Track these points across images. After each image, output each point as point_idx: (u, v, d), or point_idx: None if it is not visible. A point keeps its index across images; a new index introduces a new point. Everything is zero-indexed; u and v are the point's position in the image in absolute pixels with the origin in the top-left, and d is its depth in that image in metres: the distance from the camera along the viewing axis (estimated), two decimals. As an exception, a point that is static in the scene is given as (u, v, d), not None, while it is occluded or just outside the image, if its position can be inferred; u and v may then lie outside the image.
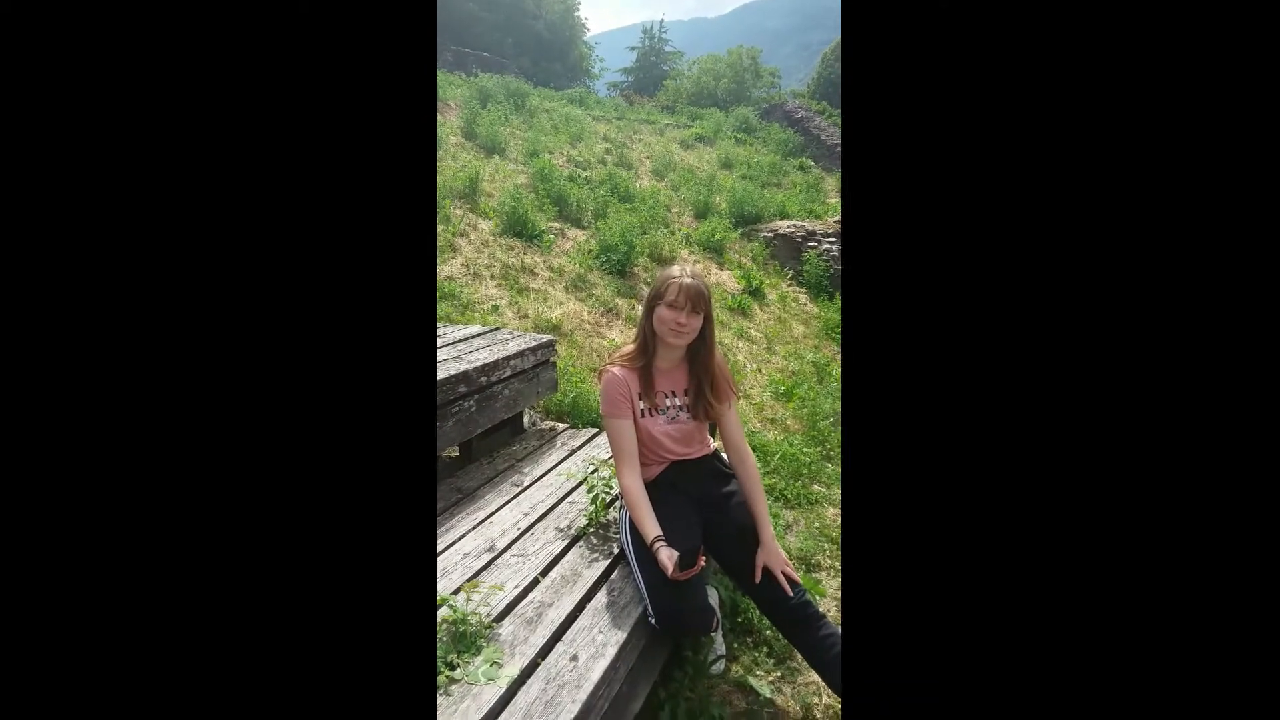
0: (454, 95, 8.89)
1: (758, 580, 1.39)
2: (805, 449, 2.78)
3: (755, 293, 5.07)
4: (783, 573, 1.39)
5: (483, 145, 7.01)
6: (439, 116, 7.73)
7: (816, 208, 7.47)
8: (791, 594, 1.37)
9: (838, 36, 16.59)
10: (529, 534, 1.61)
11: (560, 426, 2.49)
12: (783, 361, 4.09)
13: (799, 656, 1.57)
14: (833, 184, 9.38)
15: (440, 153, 6.45)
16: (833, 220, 6.67)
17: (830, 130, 11.69)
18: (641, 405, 1.51)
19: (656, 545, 1.32)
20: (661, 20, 21.42)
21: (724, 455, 1.67)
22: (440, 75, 10.15)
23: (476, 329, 2.59)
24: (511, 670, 1.12)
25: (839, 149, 10.86)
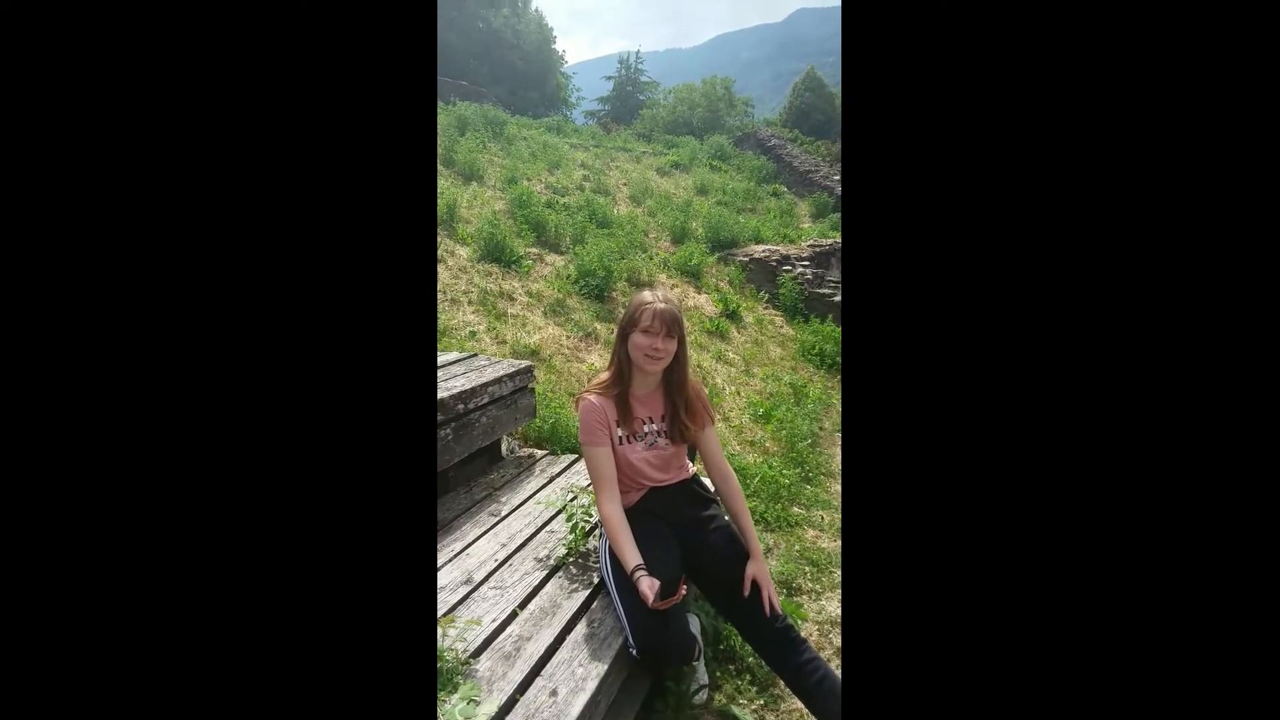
0: (431, 123, 8.92)
1: (747, 594, 1.38)
2: (785, 471, 2.79)
3: (733, 316, 5.12)
4: (767, 595, 1.39)
5: (461, 172, 7.04)
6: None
7: (790, 232, 7.61)
8: (769, 614, 1.36)
9: (807, 67, 17.10)
10: (507, 565, 1.59)
11: (539, 453, 2.47)
12: (760, 383, 4.12)
13: (782, 683, 1.55)
14: (805, 209, 9.59)
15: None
16: (806, 244, 6.80)
17: (802, 157, 11.98)
18: (620, 432, 1.50)
19: (637, 574, 1.30)
20: (638, 51, 21.91)
21: (703, 479, 1.66)
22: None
23: (454, 355, 2.57)
24: (489, 708, 1.09)
25: (811, 175, 11.13)
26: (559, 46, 22.13)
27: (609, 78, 22.33)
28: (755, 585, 1.40)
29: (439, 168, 7.10)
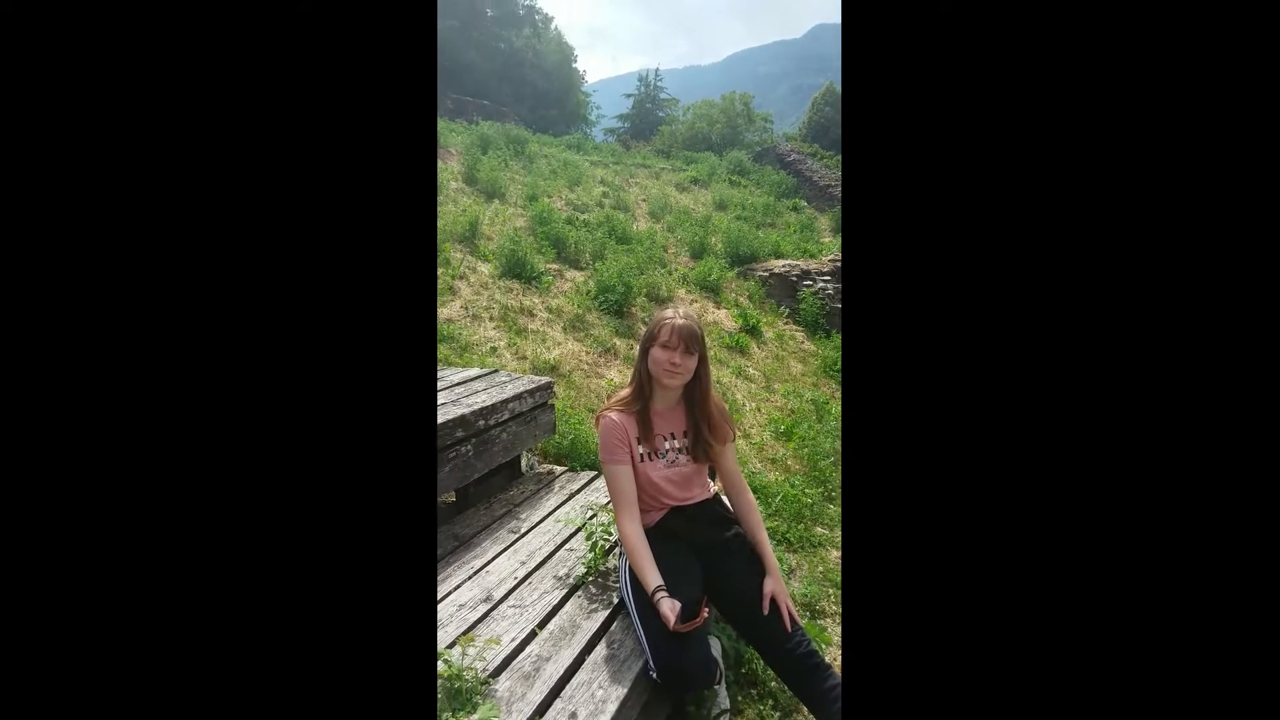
0: (455, 142, 9.11)
1: (766, 611, 1.37)
2: (807, 490, 2.75)
3: (753, 331, 5.10)
4: (786, 607, 1.38)
5: (483, 190, 7.15)
6: (441, 163, 7.90)
7: (810, 247, 7.57)
8: (791, 630, 1.35)
9: (827, 82, 17.12)
10: (526, 583, 1.58)
11: (558, 469, 2.47)
12: (782, 400, 4.08)
13: (805, 709, 1.51)
14: (826, 224, 9.54)
15: (441, 197, 6.57)
16: (827, 259, 6.76)
17: (822, 172, 11.96)
18: (641, 450, 1.49)
19: (658, 596, 1.29)
20: (657, 68, 22.13)
21: (724, 498, 1.65)
22: (441, 123, 10.41)
23: (475, 371, 2.59)
24: (508, 730, 1.08)
25: (831, 190, 11.08)
26: (579, 65, 22.49)
27: (628, 95, 22.56)
28: (774, 603, 1.38)
29: (462, 185, 7.22)
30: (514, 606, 1.47)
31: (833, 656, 1.79)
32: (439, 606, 1.47)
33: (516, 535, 1.87)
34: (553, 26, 22.22)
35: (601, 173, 10.00)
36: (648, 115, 21.40)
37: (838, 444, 3.25)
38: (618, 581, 1.55)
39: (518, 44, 19.86)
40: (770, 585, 1.40)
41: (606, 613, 1.45)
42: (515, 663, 1.27)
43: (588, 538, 1.66)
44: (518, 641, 1.33)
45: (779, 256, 6.90)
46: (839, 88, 16.81)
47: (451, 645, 1.27)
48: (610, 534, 1.66)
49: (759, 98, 19.06)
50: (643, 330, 1.55)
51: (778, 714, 1.56)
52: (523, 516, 2.00)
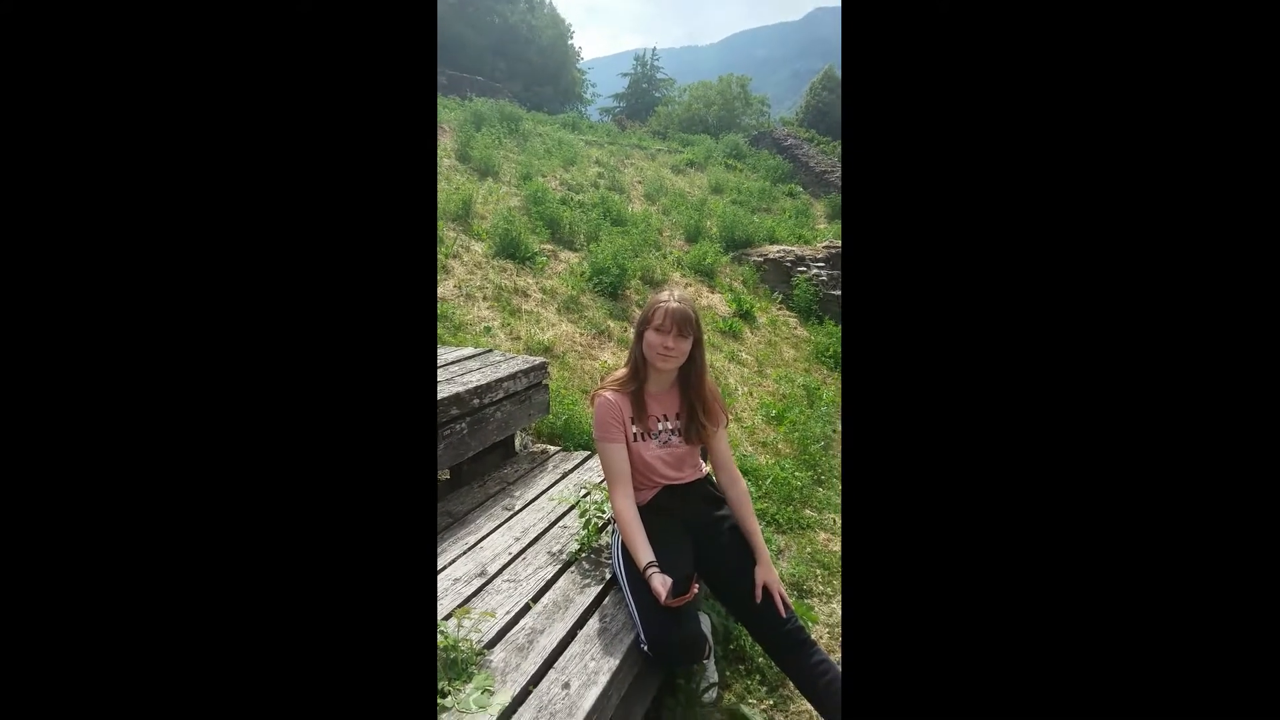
0: (448, 119, 8.98)
1: (759, 599, 1.39)
2: (797, 473, 2.79)
3: (746, 316, 5.11)
4: (778, 594, 1.40)
5: (476, 168, 7.07)
6: (433, 139, 7.78)
7: (805, 233, 7.58)
8: (784, 615, 1.37)
9: (825, 66, 16.98)
10: (520, 559, 1.60)
11: (552, 449, 2.49)
12: (774, 385, 4.11)
13: (792, 684, 1.56)
14: (821, 210, 9.53)
15: (434, 175, 6.50)
16: (821, 245, 6.77)
17: (818, 157, 11.91)
18: (634, 429, 1.51)
19: (649, 571, 1.32)
20: (654, 48, 21.89)
21: (715, 479, 1.67)
22: (435, 98, 10.23)
23: (469, 351, 2.59)
24: (503, 698, 1.11)
25: (827, 176, 11.05)
26: (575, 42, 22.16)
27: (625, 74, 22.31)
28: (766, 591, 1.41)
29: (455, 163, 7.14)
30: (508, 581, 1.50)
31: (818, 634, 1.84)
32: (434, 580, 1.50)
33: (510, 512, 1.89)
34: (547, 2, 21.84)
35: (596, 153, 9.90)
36: (644, 95, 21.19)
37: (828, 429, 3.29)
38: (610, 558, 1.58)
39: (512, 19, 19.52)
40: (761, 574, 1.42)
41: (599, 588, 1.48)
42: (509, 635, 1.30)
43: (581, 515, 1.68)
44: (512, 615, 1.36)
45: (774, 242, 6.90)
46: (838, 72, 16.70)
47: (447, 617, 1.29)
48: (603, 512, 1.68)
49: (757, 80, 18.88)
50: (637, 313, 1.55)
51: (764, 689, 1.60)
52: (516, 494, 2.03)
